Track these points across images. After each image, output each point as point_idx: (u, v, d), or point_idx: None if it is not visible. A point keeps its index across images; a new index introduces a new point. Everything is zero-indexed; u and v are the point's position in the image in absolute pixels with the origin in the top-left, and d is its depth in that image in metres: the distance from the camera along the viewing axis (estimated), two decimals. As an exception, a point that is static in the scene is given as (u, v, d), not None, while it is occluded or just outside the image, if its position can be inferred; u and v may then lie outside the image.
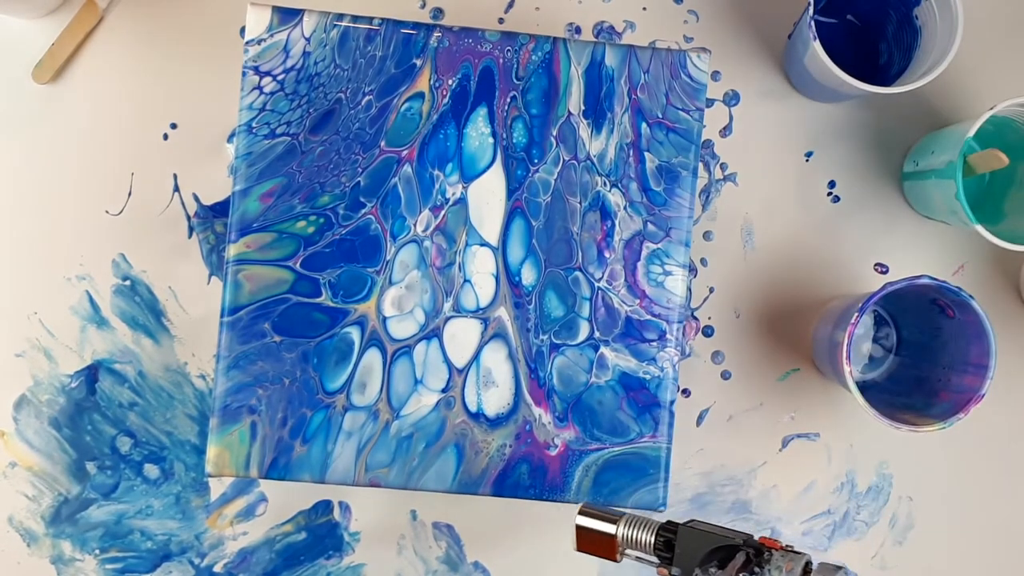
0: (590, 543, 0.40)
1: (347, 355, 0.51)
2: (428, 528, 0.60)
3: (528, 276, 0.52)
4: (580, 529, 0.40)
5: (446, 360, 0.52)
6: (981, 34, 0.60)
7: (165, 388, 0.59)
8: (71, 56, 0.59)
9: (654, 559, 0.39)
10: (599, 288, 0.52)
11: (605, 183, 0.52)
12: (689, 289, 0.60)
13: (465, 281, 0.52)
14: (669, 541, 0.38)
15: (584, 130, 0.52)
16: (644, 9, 0.61)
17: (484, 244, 0.52)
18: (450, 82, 0.52)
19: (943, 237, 0.61)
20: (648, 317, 0.52)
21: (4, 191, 0.59)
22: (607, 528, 0.40)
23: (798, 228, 0.61)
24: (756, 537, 0.38)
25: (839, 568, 0.36)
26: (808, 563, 0.36)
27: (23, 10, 0.58)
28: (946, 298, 0.53)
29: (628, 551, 0.40)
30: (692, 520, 0.39)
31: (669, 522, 0.39)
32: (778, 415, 0.60)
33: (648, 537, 0.39)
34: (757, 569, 0.36)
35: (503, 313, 0.52)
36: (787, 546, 0.37)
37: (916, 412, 0.54)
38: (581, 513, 0.40)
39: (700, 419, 0.60)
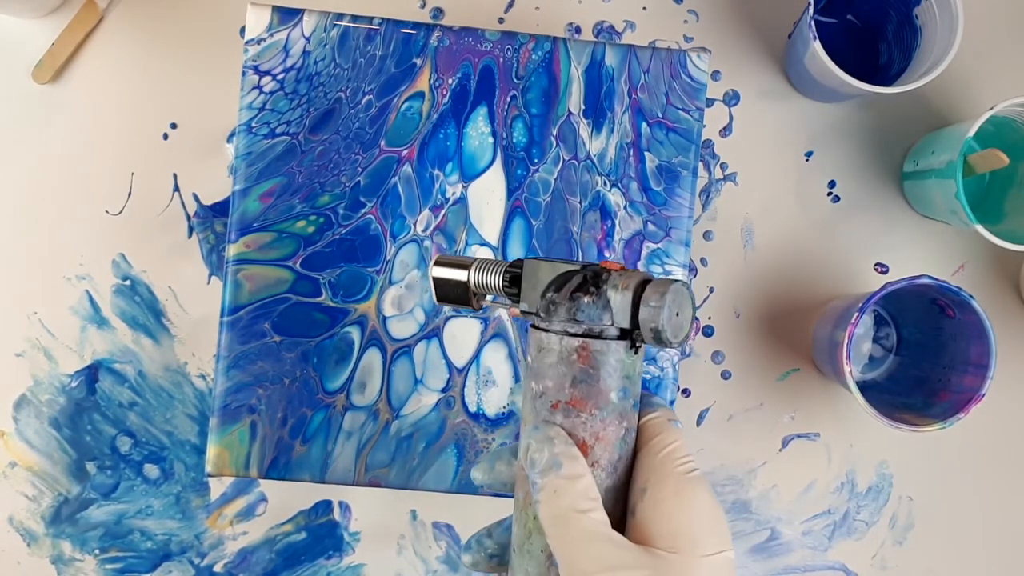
0: (447, 293, 0.39)
1: (347, 355, 0.51)
2: (428, 528, 0.60)
3: (528, 276, 0.52)
4: (436, 281, 0.39)
5: (446, 360, 0.52)
6: (981, 34, 0.60)
7: (165, 388, 0.59)
8: (71, 56, 0.59)
9: (506, 300, 0.38)
10: (599, 288, 0.52)
11: (605, 183, 0.52)
12: (689, 289, 0.60)
13: (465, 281, 0.52)
14: (515, 277, 0.37)
15: (584, 130, 0.52)
16: (644, 9, 0.61)
17: (484, 244, 0.52)
18: (450, 81, 0.52)
19: (943, 237, 0.61)
20: (648, 317, 0.52)
21: (4, 191, 0.59)
22: (459, 275, 0.39)
23: (798, 228, 0.61)
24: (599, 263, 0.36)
25: (675, 281, 0.34)
26: (644, 280, 0.34)
27: (23, 10, 0.58)
28: (946, 298, 0.53)
29: (483, 296, 0.39)
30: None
31: (514, 261, 0.38)
32: (778, 415, 0.60)
33: (496, 277, 0.38)
34: (594, 288, 0.35)
35: (503, 313, 0.52)
36: (624, 267, 0.36)
37: (916, 412, 0.54)
38: (436, 264, 0.39)
39: (700, 419, 0.60)
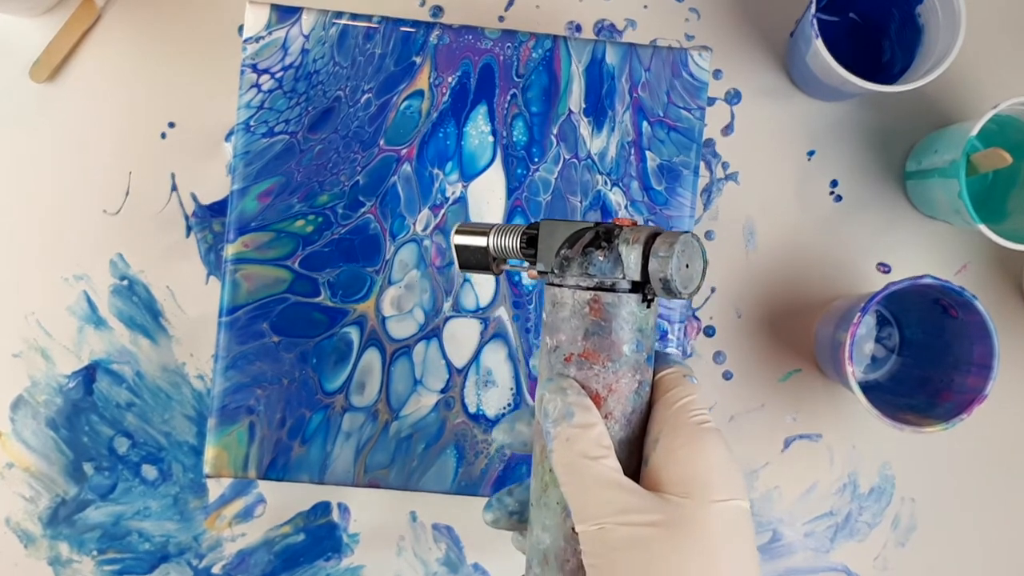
0: (468, 260, 0.40)
1: (346, 355, 0.51)
2: (428, 529, 0.59)
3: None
4: (457, 248, 0.40)
5: (446, 360, 0.51)
6: (984, 32, 0.60)
7: (163, 388, 0.59)
8: (68, 54, 0.59)
9: (524, 262, 0.39)
10: (600, 288, 0.52)
11: (606, 182, 0.52)
12: (690, 289, 0.60)
13: (465, 281, 0.51)
14: (532, 238, 0.38)
15: (585, 128, 0.52)
16: (645, 7, 0.60)
17: (484, 243, 0.51)
18: (450, 80, 0.51)
19: (946, 236, 0.61)
20: (649, 317, 0.52)
21: (1, 191, 0.59)
22: (479, 241, 0.40)
23: (800, 227, 0.60)
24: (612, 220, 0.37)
25: (684, 232, 0.35)
26: (655, 233, 0.35)
27: (20, 8, 0.58)
28: (949, 298, 0.52)
29: (503, 261, 0.40)
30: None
31: (532, 224, 0.39)
32: (780, 416, 0.60)
33: (514, 240, 0.39)
34: (605, 244, 0.35)
35: (503, 313, 0.51)
36: (636, 222, 0.37)
37: (919, 413, 0.54)
38: (457, 232, 0.40)
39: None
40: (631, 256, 0.35)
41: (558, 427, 0.34)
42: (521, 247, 0.38)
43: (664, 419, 0.35)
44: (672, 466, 0.34)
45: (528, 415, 0.40)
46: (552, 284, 0.36)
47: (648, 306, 0.36)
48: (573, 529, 0.34)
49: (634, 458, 0.36)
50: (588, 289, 0.35)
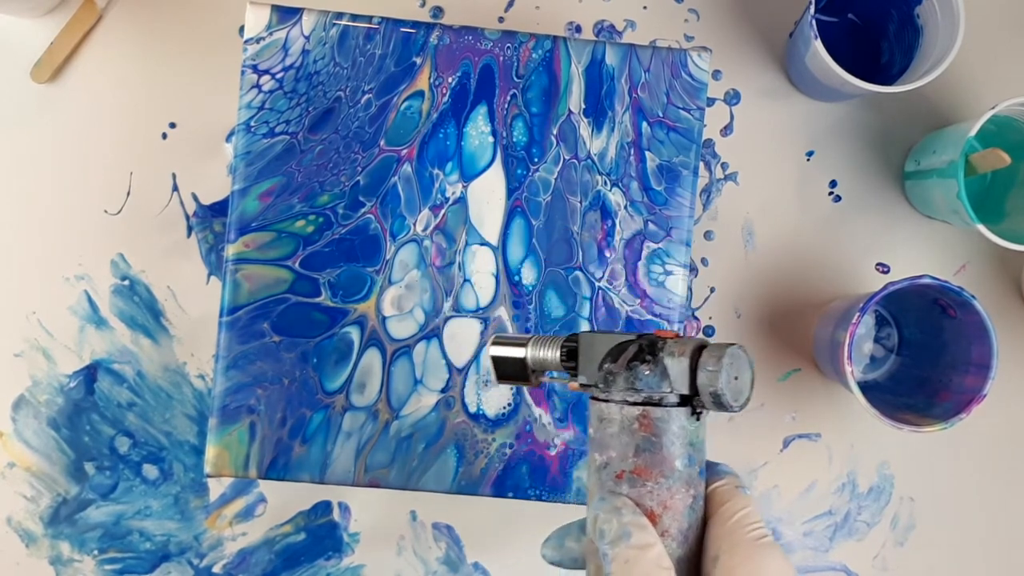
0: (506, 372, 0.40)
1: (346, 355, 0.51)
2: (428, 529, 0.59)
3: (528, 276, 0.52)
4: (495, 360, 0.40)
5: (446, 360, 0.51)
6: (983, 33, 0.60)
7: (164, 388, 0.59)
8: (70, 55, 0.59)
9: (565, 374, 0.39)
10: (599, 288, 0.52)
11: (606, 182, 0.52)
12: (690, 289, 0.60)
13: (465, 280, 0.51)
14: (572, 351, 0.38)
15: (584, 129, 0.52)
16: (644, 8, 0.61)
17: (484, 243, 0.52)
18: (450, 80, 0.51)
19: (945, 237, 0.61)
20: (649, 317, 0.52)
21: (2, 191, 0.59)
22: (517, 353, 0.39)
23: (799, 228, 0.60)
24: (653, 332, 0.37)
25: (731, 344, 0.34)
26: (701, 345, 0.35)
27: (22, 9, 0.58)
28: (948, 298, 0.52)
29: (541, 373, 0.40)
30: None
31: (571, 335, 0.38)
32: (779, 415, 0.60)
33: (553, 353, 0.38)
34: (650, 357, 0.35)
35: (503, 313, 0.51)
36: (678, 334, 0.36)
37: (918, 412, 0.54)
38: (493, 343, 0.40)
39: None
40: (678, 369, 0.34)
41: (616, 548, 0.34)
42: (562, 360, 0.38)
43: (721, 535, 0.35)
44: None
45: (576, 530, 0.39)
46: (598, 399, 0.36)
47: (698, 419, 0.35)
48: None
49: (692, 575, 0.35)
50: (636, 404, 0.35)
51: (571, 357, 0.38)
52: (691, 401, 0.35)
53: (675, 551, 0.35)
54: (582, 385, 0.37)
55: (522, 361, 0.39)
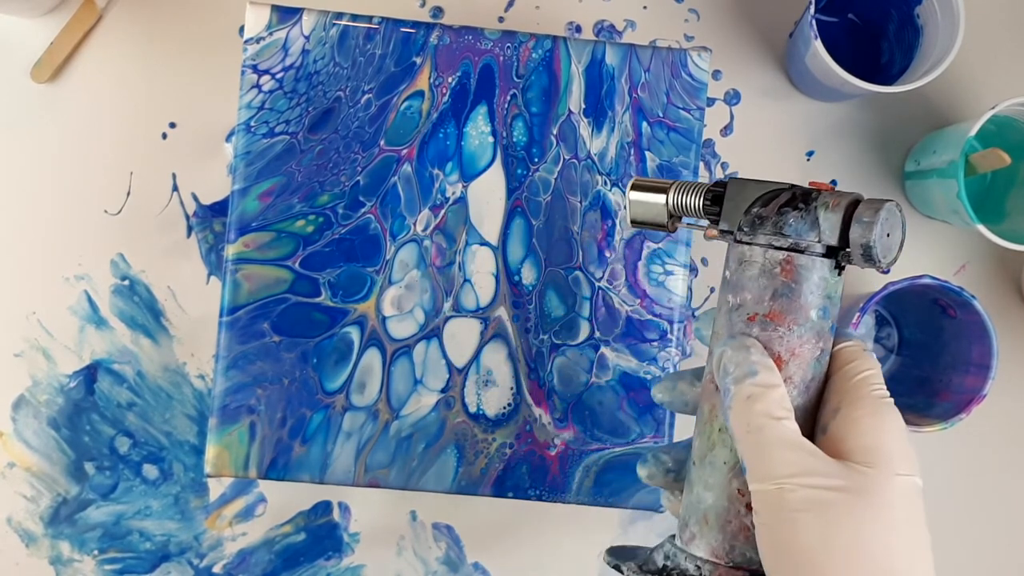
0: (643, 216, 0.40)
1: (346, 355, 0.51)
2: (428, 529, 0.59)
3: (528, 275, 0.52)
4: (633, 203, 0.40)
5: (446, 360, 0.51)
6: (983, 33, 0.60)
7: (164, 388, 0.59)
8: (70, 55, 0.59)
9: (704, 221, 0.39)
10: (599, 288, 0.52)
11: (606, 182, 0.52)
12: (690, 289, 0.60)
13: (465, 280, 0.51)
14: (718, 196, 0.37)
15: (584, 129, 0.52)
16: (644, 8, 0.61)
17: (484, 243, 0.52)
18: (450, 80, 0.51)
19: (945, 237, 0.61)
20: (649, 317, 0.52)
21: (2, 191, 0.59)
22: (657, 198, 0.39)
23: (799, 228, 0.60)
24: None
25: (888, 200, 0.34)
26: (857, 199, 0.34)
27: (22, 9, 0.58)
28: (948, 298, 0.52)
29: (678, 219, 0.40)
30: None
31: (717, 182, 0.38)
32: (779, 415, 0.60)
33: (697, 198, 0.38)
34: (803, 205, 0.35)
35: (503, 313, 0.51)
36: (833, 188, 0.36)
37: (918, 412, 0.54)
38: (633, 188, 0.40)
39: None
40: (830, 220, 0.34)
41: (740, 385, 0.34)
42: (705, 204, 0.38)
43: (845, 390, 0.35)
44: (855, 436, 0.34)
45: (690, 376, 0.40)
46: (740, 242, 0.36)
47: (839, 273, 0.35)
48: (739, 490, 0.34)
49: (807, 426, 0.35)
50: (781, 249, 0.35)
51: (715, 202, 0.37)
52: (836, 254, 0.35)
53: (795, 399, 0.35)
54: (721, 231, 0.37)
55: (662, 206, 0.39)
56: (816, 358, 0.35)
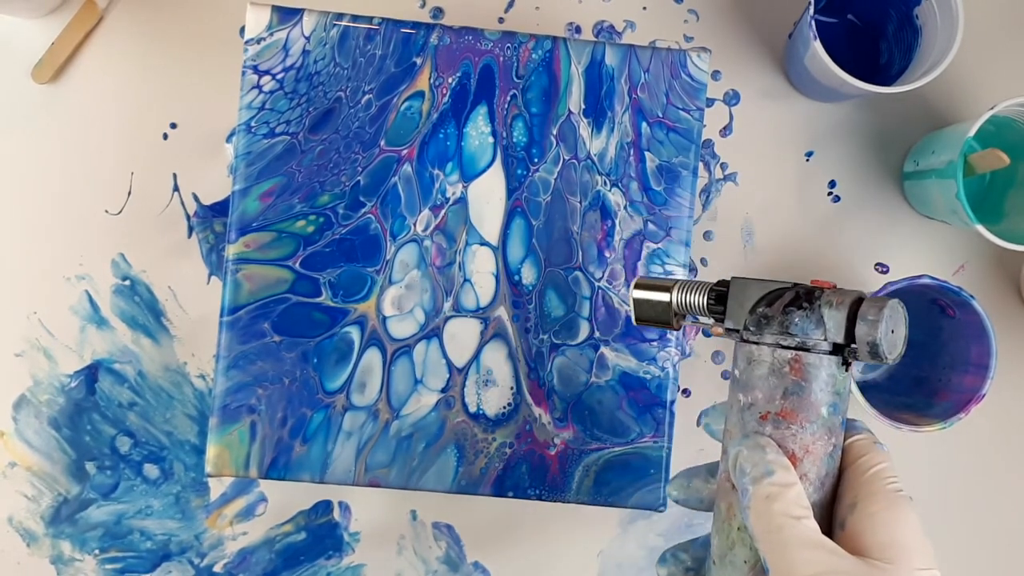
0: (647, 314, 0.41)
1: (347, 355, 0.51)
2: (428, 528, 0.59)
3: (528, 276, 0.52)
4: (637, 302, 0.41)
5: (446, 360, 0.51)
6: (982, 34, 0.60)
7: (165, 388, 0.59)
8: (71, 55, 0.59)
9: (709, 319, 0.39)
10: (599, 288, 0.52)
11: (605, 182, 0.52)
12: (689, 289, 0.60)
13: (465, 280, 0.52)
14: (721, 295, 0.38)
15: (584, 129, 0.52)
16: (644, 9, 0.61)
17: (484, 243, 0.52)
18: (450, 81, 0.52)
19: (944, 237, 0.61)
20: (648, 317, 0.52)
21: (3, 191, 0.59)
22: (661, 297, 0.40)
23: (798, 228, 0.61)
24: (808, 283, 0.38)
25: (891, 298, 0.35)
26: (860, 297, 0.35)
27: (23, 9, 0.58)
28: (947, 298, 0.53)
29: (683, 317, 0.41)
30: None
31: (720, 281, 0.39)
32: (778, 415, 0.60)
33: (700, 298, 0.39)
34: (807, 304, 0.36)
35: (503, 313, 0.52)
36: (835, 285, 0.37)
37: (916, 412, 0.54)
38: (636, 287, 0.41)
39: (700, 419, 0.60)
40: (835, 319, 0.35)
41: (757, 485, 0.34)
42: (709, 304, 0.39)
43: (860, 484, 0.36)
44: (873, 531, 0.34)
45: (704, 472, 0.40)
46: (747, 341, 0.36)
47: (846, 369, 0.36)
48: None
49: (824, 521, 0.36)
50: (789, 348, 0.35)
51: (719, 301, 0.38)
52: (843, 351, 0.35)
53: (811, 495, 0.35)
54: (727, 330, 0.38)
55: (666, 304, 0.40)
56: (829, 454, 0.36)
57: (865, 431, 0.38)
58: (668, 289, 0.40)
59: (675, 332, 0.52)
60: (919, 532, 0.34)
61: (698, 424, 0.60)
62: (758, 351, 0.36)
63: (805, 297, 0.36)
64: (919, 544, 0.34)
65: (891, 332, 0.35)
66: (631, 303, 0.41)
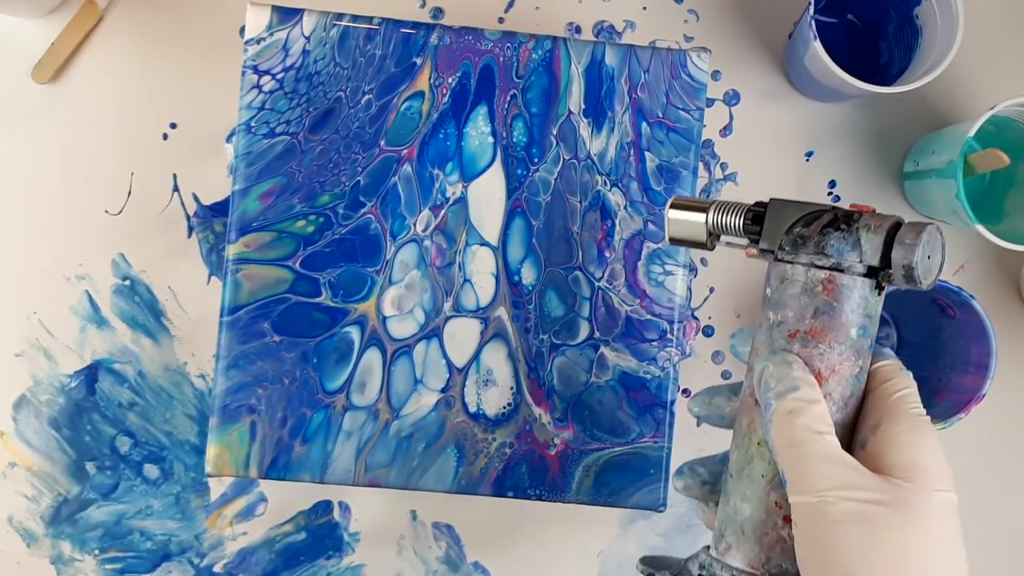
0: (682, 234, 0.41)
1: (347, 355, 0.51)
2: (428, 528, 0.59)
3: (528, 276, 0.52)
4: (672, 222, 0.40)
5: (446, 360, 0.51)
6: (982, 33, 0.60)
7: (165, 388, 0.59)
8: (71, 55, 0.59)
9: (743, 240, 0.39)
10: (599, 288, 0.52)
11: (605, 182, 0.52)
12: (689, 289, 0.60)
13: (465, 281, 0.52)
14: (758, 216, 0.38)
15: (584, 129, 0.52)
16: (644, 8, 0.61)
17: (484, 243, 0.52)
18: (450, 81, 0.52)
19: (944, 237, 0.61)
20: (648, 317, 0.52)
21: (3, 191, 0.59)
22: (697, 217, 0.40)
23: (798, 228, 0.61)
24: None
25: (929, 223, 0.35)
26: (898, 222, 0.35)
27: (23, 9, 0.58)
28: (947, 298, 0.52)
29: (717, 237, 0.40)
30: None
31: (757, 202, 0.39)
32: (778, 415, 0.60)
33: (737, 218, 0.39)
34: (845, 226, 0.36)
35: (503, 313, 0.52)
36: (875, 210, 0.37)
37: (917, 412, 0.54)
38: (672, 207, 0.40)
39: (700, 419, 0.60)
40: (872, 242, 0.35)
41: (781, 399, 0.35)
42: (746, 224, 0.39)
43: (884, 407, 0.36)
44: (894, 452, 0.34)
45: (726, 390, 0.40)
46: (782, 260, 0.37)
47: (879, 293, 0.36)
48: (776, 503, 0.35)
49: (845, 441, 0.36)
50: (823, 268, 0.35)
51: (756, 222, 0.38)
52: (877, 274, 0.36)
53: (834, 414, 0.36)
54: (762, 250, 0.38)
55: (701, 224, 0.40)
56: (855, 375, 0.36)
57: (891, 357, 0.38)
58: (704, 209, 0.40)
59: (676, 329, 0.52)
60: (940, 456, 0.35)
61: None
62: (792, 270, 0.36)
63: (843, 219, 0.36)
64: (940, 467, 0.35)
65: (927, 257, 0.35)
66: (666, 222, 0.41)
